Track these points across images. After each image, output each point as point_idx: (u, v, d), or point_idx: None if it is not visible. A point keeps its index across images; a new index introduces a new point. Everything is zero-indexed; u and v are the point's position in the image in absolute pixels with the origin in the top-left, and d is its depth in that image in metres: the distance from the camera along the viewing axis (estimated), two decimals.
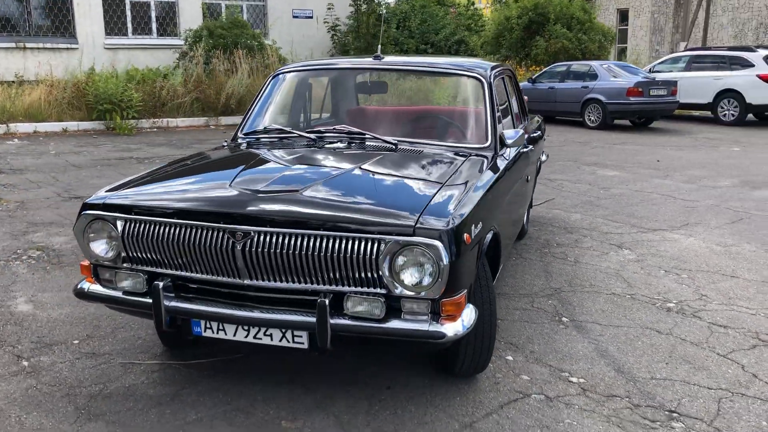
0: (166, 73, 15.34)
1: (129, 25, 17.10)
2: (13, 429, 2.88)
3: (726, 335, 3.85)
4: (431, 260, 2.65)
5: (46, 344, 3.71)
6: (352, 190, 3.12)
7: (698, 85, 15.73)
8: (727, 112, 15.39)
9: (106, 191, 3.18)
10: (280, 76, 4.49)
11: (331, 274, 2.75)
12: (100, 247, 3.08)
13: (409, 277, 2.70)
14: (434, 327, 2.72)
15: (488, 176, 3.46)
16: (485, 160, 3.70)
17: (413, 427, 2.91)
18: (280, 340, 2.88)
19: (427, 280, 2.69)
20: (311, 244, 2.73)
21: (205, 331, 2.98)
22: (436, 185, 3.14)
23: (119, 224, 3.00)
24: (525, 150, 4.43)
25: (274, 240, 2.76)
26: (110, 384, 3.27)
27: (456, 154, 3.78)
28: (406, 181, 3.33)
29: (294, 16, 19.32)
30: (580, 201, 7.42)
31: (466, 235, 2.76)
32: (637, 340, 3.79)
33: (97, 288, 3.14)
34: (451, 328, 2.73)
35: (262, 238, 2.77)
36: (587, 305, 4.30)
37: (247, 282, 2.85)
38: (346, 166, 3.40)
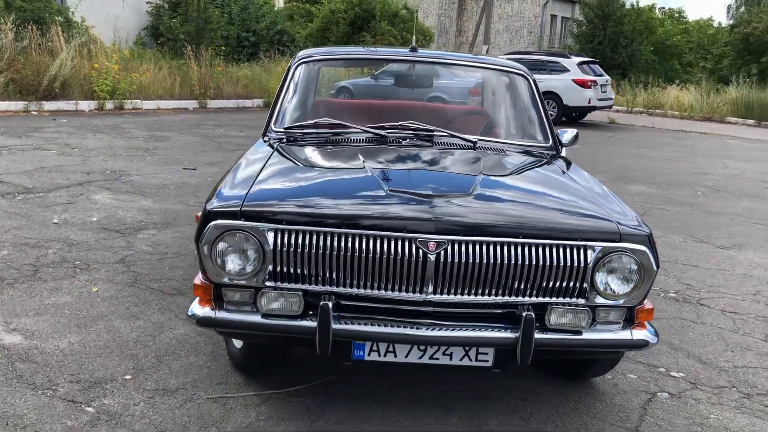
0: None
1: None
2: None
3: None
4: (638, 266, 2.58)
5: (91, 383, 3.00)
6: (521, 195, 2.92)
7: None
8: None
9: (229, 197, 2.65)
10: (307, 63, 4.05)
11: (534, 285, 2.55)
12: (235, 264, 2.56)
13: (615, 284, 2.60)
14: (637, 335, 2.65)
15: (590, 177, 3.43)
16: (561, 160, 3.67)
17: None
18: (461, 359, 2.61)
19: (629, 287, 2.61)
20: (513, 253, 2.51)
21: (369, 354, 2.61)
22: (590, 189, 3.05)
23: (270, 236, 2.51)
24: None
25: (471, 250, 2.50)
26: (223, 426, 2.74)
27: (527, 153, 3.71)
28: (563, 183, 3.17)
29: None
30: None
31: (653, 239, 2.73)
32: (688, 328, 4.02)
33: (227, 314, 2.60)
34: (648, 336, 2.68)
35: (457, 248, 2.49)
36: None
37: (430, 297, 2.55)
38: (470, 166, 3.17)
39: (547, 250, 2.53)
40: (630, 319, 2.68)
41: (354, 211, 2.58)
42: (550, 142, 3.84)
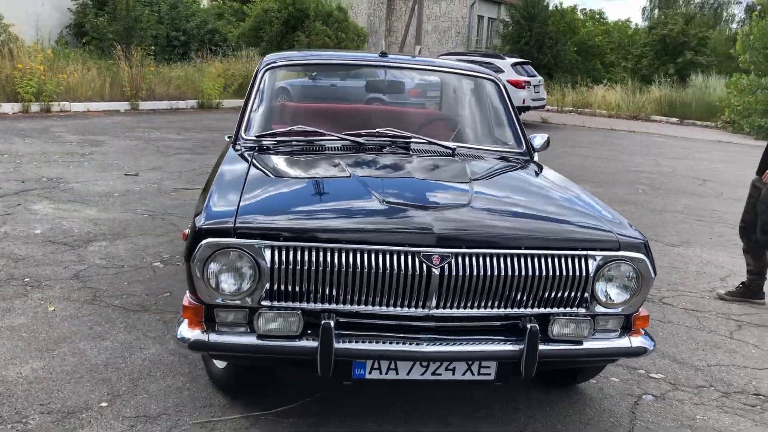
0: None
1: None
2: None
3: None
4: (636, 274, 2.59)
5: (64, 413, 2.80)
6: (517, 205, 2.89)
7: None
8: None
9: (219, 214, 2.51)
10: (274, 69, 3.91)
11: (536, 296, 2.53)
12: (229, 284, 2.43)
13: (614, 292, 2.60)
14: (636, 343, 2.66)
15: (571, 182, 3.44)
16: (535, 165, 3.68)
17: None
18: (464, 374, 2.56)
19: (627, 295, 2.61)
20: (515, 264, 2.48)
21: (370, 372, 2.53)
22: (578, 196, 3.05)
23: (267, 254, 2.39)
24: None
25: (475, 262, 2.45)
26: None
27: (504, 159, 3.69)
28: (552, 190, 3.15)
29: None
30: None
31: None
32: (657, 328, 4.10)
33: (221, 337, 2.46)
34: (645, 342, 2.70)
35: (461, 260, 2.44)
36: None
37: (433, 312, 2.49)
38: (458, 175, 3.12)
39: (550, 260, 2.51)
40: (627, 327, 2.69)
41: (355, 226, 2.49)
42: (524, 147, 3.84)
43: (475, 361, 2.54)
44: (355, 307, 2.46)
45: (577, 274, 2.52)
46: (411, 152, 3.46)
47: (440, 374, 2.55)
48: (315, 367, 2.45)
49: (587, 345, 2.60)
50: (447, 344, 2.49)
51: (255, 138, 3.58)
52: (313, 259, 2.39)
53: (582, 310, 2.58)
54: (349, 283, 2.42)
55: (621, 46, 41.98)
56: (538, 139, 3.99)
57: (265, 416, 2.87)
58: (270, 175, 3.04)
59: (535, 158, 3.91)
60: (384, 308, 2.47)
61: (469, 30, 39.78)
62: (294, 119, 3.88)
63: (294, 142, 3.55)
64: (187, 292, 2.56)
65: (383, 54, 4.02)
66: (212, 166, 3.48)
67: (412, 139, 3.57)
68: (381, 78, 4.17)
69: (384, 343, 2.47)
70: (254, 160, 3.21)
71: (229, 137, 5.10)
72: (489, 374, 2.58)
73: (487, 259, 2.46)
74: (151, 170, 8.22)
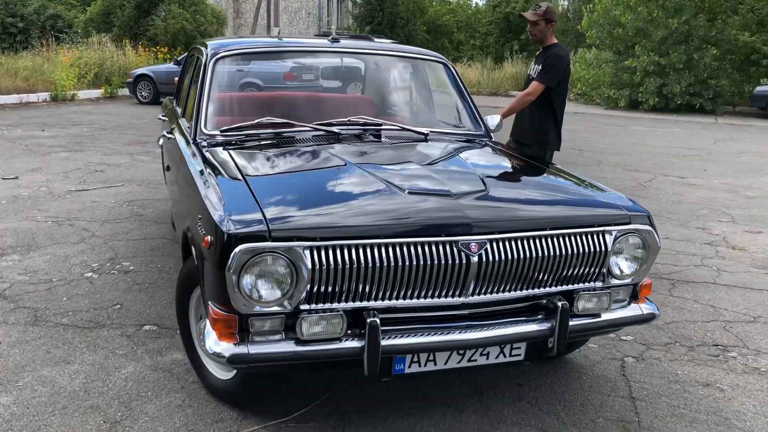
0: None
1: None
2: None
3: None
4: (645, 245, 2.72)
5: None
6: (528, 188, 2.93)
7: None
8: None
9: (246, 217, 2.34)
10: (224, 59, 3.68)
11: (561, 275, 2.60)
12: (266, 290, 2.28)
13: (625, 264, 2.72)
14: (646, 310, 2.81)
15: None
16: (501, 147, 3.76)
17: (594, 416, 2.94)
18: (497, 357, 2.59)
19: (636, 266, 2.75)
20: (543, 245, 2.53)
21: (409, 366, 2.49)
22: (571, 173, 3.15)
23: (306, 255, 2.27)
24: None
25: (508, 247, 2.47)
26: None
27: (470, 141, 3.74)
28: (546, 172, 3.25)
29: None
30: None
31: None
32: None
33: (262, 347, 2.32)
34: (652, 308, 2.86)
35: (496, 246, 2.46)
36: None
37: (468, 299, 2.49)
38: (454, 161, 3.12)
39: (572, 239, 2.58)
40: (634, 296, 2.83)
41: (391, 219, 2.42)
42: (482, 128, 3.90)
43: (508, 344, 2.58)
44: (392, 302, 2.41)
45: (597, 249, 2.61)
46: (389, 139, 3.42)
47: (475, 360, 2.56)
48: (356, 368, 2.38)
49: (605, 317, 2.71)
50: (482, 330, 2.50)
51: (220, 133, 3.37)
52: (354, 256, 2.31)
53: (599, 284, 2.68)
54: (390, 278, 2.35)
55: (468, 24, 43.67)
56: (494, 120, 4.05)
57: (285, 423, 2.75)
58: (270, 172, 2.89)
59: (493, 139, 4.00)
60: (422, 300, 2.44)
61: (320, 10, 39.59)
62: (255, 111, 3.69)
63: (263, 135, 3.39)
64: (210, 302, 2.38)
65: (335, 39, 3.91)
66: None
67: (384, 126, 3.53)
68: (338, 65, 4.06)
69: (423, 335, 2.44)
70: (237, 158, 3.03)
71: (163, 118, 4.77)
72: (519, 355, 2.62)
73: (519, 243, 2.49)
74: (30, 172, 7.52)
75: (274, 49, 3.97)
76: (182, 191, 3.31)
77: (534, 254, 2.50)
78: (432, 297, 2.44)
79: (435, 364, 2.51)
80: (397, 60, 4.14)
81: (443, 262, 2.38)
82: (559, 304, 2.54)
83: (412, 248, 2.36)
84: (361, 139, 3.38)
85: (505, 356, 2.60)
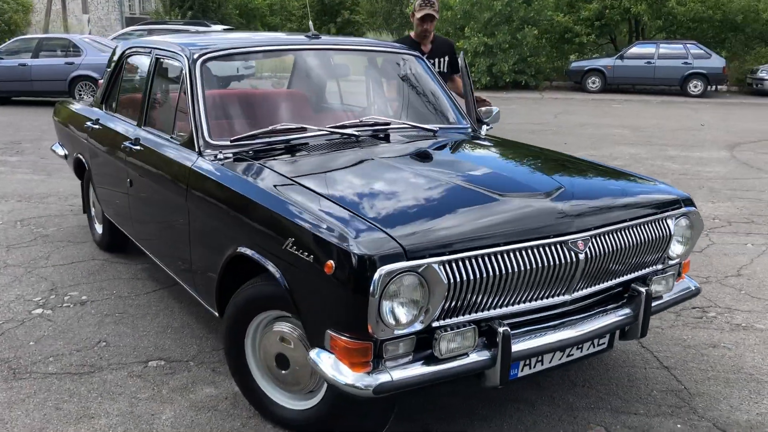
0: None
1: None
2: None
3: None
4: (693, 226, 2.91)
5: None
6: (589, 181, 3.00)
7: None
8: None
9: (372, 237, 2.17)
10: (209, 62, 3.33)
11: (638, 262, 2.71)
12: (404, 311, 2.15)
13: (677, 245, 2.89)
14: (694, 284, 3.02)
15: None
16: (493, 138, 3.80)
17: (647, 389, 3.11)
18: (588, 349, 2.66)
19: (686, 246, 2.93)
20: (629, 235, 2.63)
21: (522, 370, 2.48)
22: (606, 164, 3.27)
23: (441, 271, 2.17)
24: None
25: (606, 240, 2.54)
26: None
27: (469, 133, 3.74)
28: (580, 163, 3.36)
29: None
30: None
31: None
32: None
33: (404, 372, 2.19)
34: (695, 283, 3.07)
35: (596, 241, 2.51)
36: None
37: (572, 296, 2.52)
38: (505, 158, 3.15)
39: (647, 227, 2.70)
40: (679, 273, 3.03)
41: (506, 226, 2.37)
42: (466, 120, 3.90)
43: (599, 336, 2.65)
44: (509, 308, 2.38)
45: (664, 234, 2.76)
46: (404, 138, 3.35)
47: (573, 354, 2.60)
48: (478, 380, 2.34)
49: (666, 297, 2.88)
50: (585, 323, 2.56)
51: (231, 143, 3.09)
52: (482, 266, 2.25)
53: (660, 266, 2.84)
54: (511, 284, 2.33)
55: (282, 7, 43.14)
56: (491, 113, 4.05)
57: None
58: (343, 183, 2.71)
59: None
60: (534, 303, 2.44)
61: None
62: (257, 113, 3.42)
63: (277, 142, 3.15)
64: (333, 331, 2.20)
65: (315, 35, 3.70)
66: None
67: (392, 126, 3.44)
68: (330, 62, 3.84)
69: (539, 337, 2.44)
70: (286, 169, 2.83)
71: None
72: (604, 343, 2.70)
73: (613, 236, 2.56)
74: None
75: (261, 49, 3.65)
76: (200, 210, 2.99)
77: (623, 244, 2.59)
78: (541, 299, 2.45)
79: (542, 365, 2.52)
80: (377, 55, 4.01)
81: (555, 262, 2.39)
82: (642, 290, 2.66)
83: (530, 252, 2.35)
84: (390, 141, 3.26)
85: (594, 347, 2.66)
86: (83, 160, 4.71)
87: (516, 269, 2.31)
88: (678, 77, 19.00)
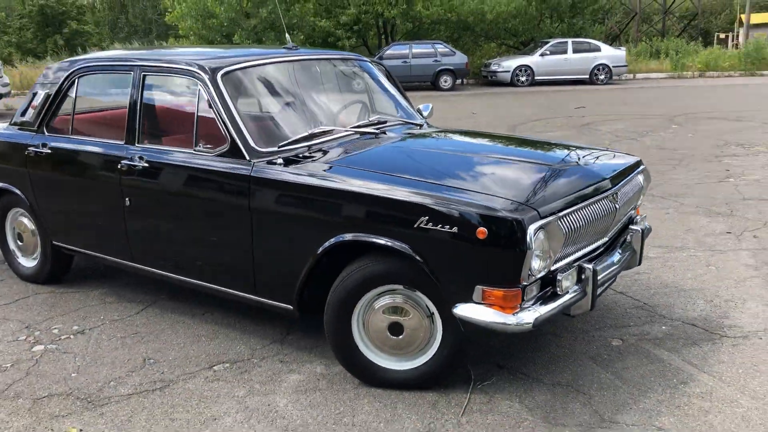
0: None
1: None
2: None
3: None
4: (648, 178, 3.83)
5: None
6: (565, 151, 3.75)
7: None
8: None
9: (504, 205, 2.73)
10: (228, 75, 3.47)
11: (630, 209, 3.56)
12: (538, 260, 2.73)
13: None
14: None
15: None
16: (445, 129, 4.44)
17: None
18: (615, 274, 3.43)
19: (644, 194, 3.85)
20: (629, 187, 3.46)
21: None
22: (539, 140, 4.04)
23: (560, 225, 2.80)
24: None
25: (620, 194, 3.33)
26: None
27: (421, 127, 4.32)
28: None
29: None
30: None
31: None
32: None
33: (544, 308, 2.79)
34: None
35: (619, 194, 3.29)
36: None
37: (608, 237, 3.29)
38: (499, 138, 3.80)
39: (634, 180, 3.56)
40: None
41: (578, 187, 3.04)
42: (420, 117, 4.48)
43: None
44: (583, 251, 3.08)
45: (639, 185, 3.64)
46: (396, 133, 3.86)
47: (611, 279, 3.38)
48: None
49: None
50: (610, 256, 3.34)
51: (278, 149, 3.34)
52: (577, 218, 2.93)
53: (633, 211, 3.74)
54: (588, 231, 3.05)
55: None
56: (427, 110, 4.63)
57: (480, 386, 3.13)
58: (424, 169, 3.16)
59: None
60: (592, 245, 3.16)
61: None
62: (296, 121, 3.66)
63: (315, 144, 3.47)
64: (483, 287, 2.69)
65: (294, 47, 4.00)
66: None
67: (389, 123, 3.93)
68: (322, 71, 4.12)
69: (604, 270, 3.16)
70: (355, 165, 3.22)
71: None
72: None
73: (624, 188, 3.38)
74: None
75: (273, 61, 3.81)
76: (271, 214, 3.20)
77: (629, 195, 3.42)
78: (595, 242, 3.18)
79: (602, 288, 3.19)
80: (337, 63, 4.38)
81: (607, 210, 3.15)
82: (638, 228, 3.51)
83: (599, 204, 3.08)
84: (384, 135, 3.74)
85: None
86: (12, 191, 4.39)
87: (593, 218, 3.02)
88: (430, 74, 21.12)
